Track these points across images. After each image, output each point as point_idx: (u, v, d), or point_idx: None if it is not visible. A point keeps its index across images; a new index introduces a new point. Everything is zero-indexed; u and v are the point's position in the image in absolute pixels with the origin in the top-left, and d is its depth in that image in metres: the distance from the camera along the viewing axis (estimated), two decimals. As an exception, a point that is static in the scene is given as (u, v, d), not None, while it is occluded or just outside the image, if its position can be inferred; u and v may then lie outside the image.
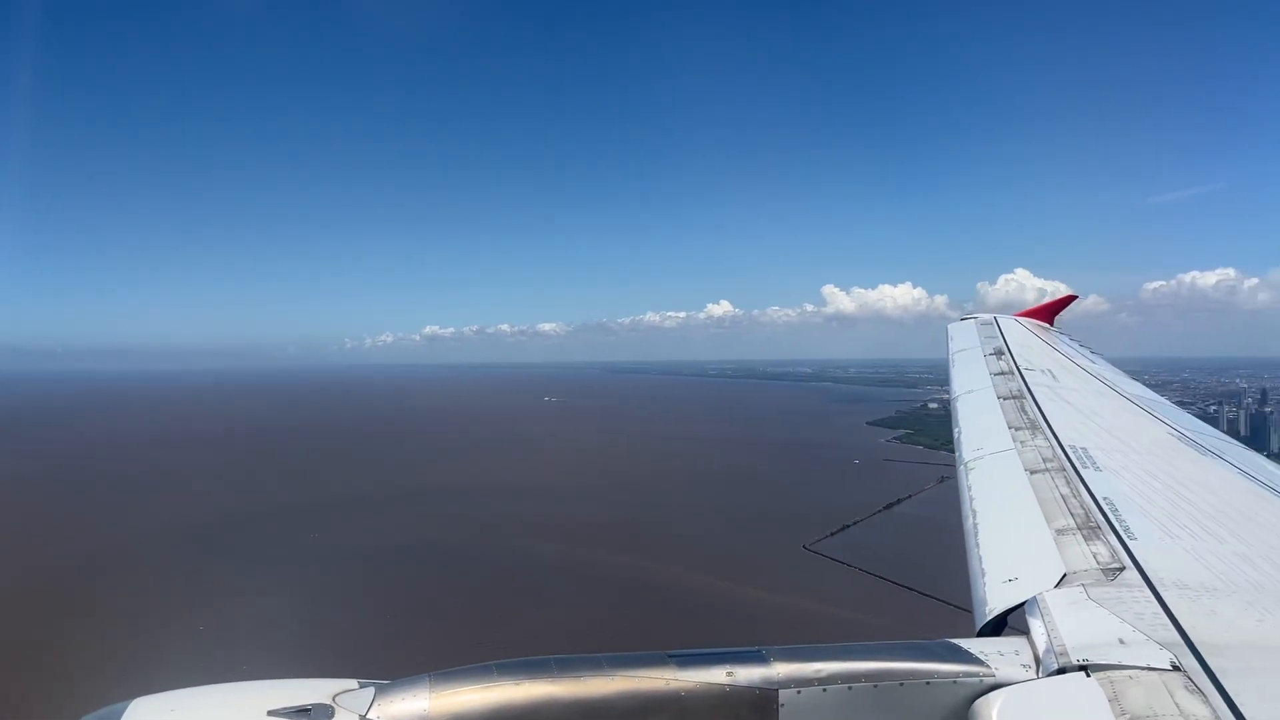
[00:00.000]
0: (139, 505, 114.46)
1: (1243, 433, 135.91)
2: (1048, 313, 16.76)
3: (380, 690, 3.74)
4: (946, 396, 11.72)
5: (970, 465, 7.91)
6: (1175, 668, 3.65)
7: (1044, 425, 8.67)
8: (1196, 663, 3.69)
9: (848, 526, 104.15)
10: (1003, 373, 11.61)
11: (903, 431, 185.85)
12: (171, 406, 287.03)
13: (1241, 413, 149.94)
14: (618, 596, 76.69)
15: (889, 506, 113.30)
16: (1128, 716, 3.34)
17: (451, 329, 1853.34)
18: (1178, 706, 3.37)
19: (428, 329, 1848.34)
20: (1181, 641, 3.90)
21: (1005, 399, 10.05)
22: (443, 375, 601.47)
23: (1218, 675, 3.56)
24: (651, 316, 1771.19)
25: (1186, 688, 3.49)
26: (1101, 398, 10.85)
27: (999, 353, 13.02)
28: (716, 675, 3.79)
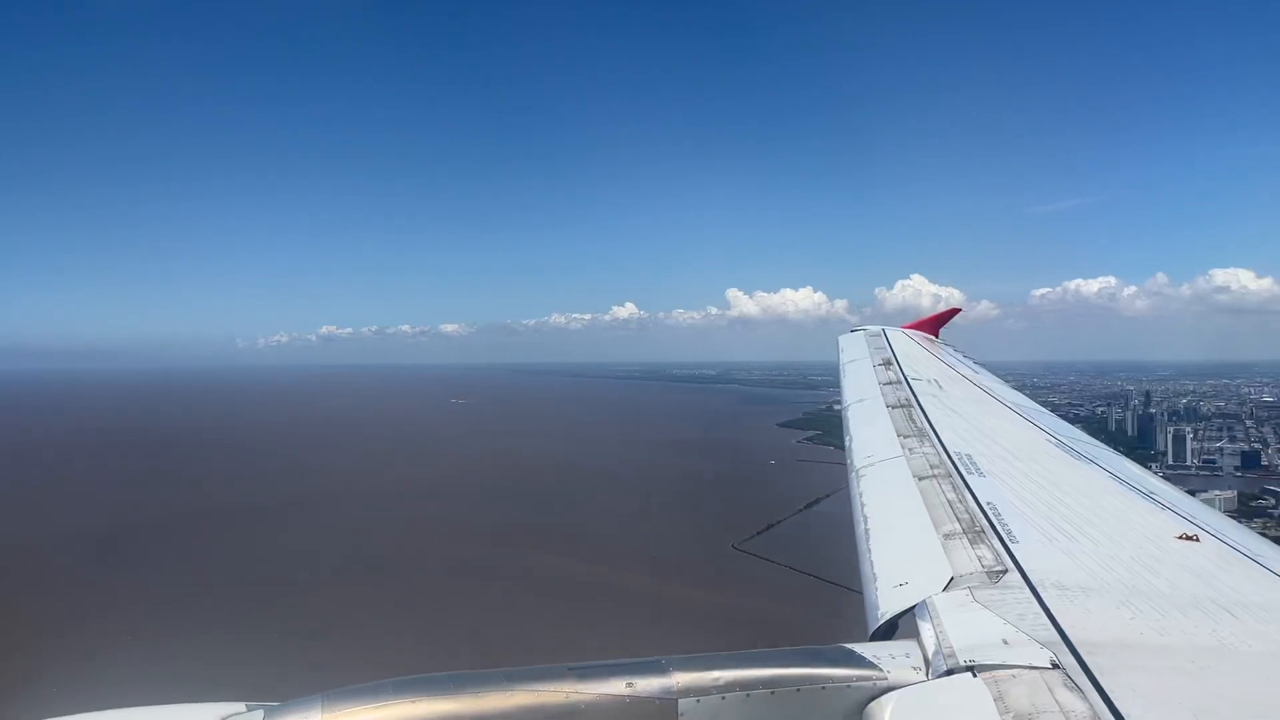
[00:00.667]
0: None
1: (1130, 433, 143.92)
2: (933, 325, 17.28)
3: (270, 712, 3.59)
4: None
5: (861, 472, 8.10)
6: (1055, 666, 3.77)
7: (931, 433, 8.89)
8: (1074, 660, 3.81)
9: (772, 525, 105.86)
10: (891, 382, 11.80)
11: (812, 432, 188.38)
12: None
13: (1129, 414, 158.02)
14: (552, 598, 75.71)
15: (809, 505, 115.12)
16: (1011, 715, 3.42)
17: (349, 329, 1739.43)
18: (1058, 704, 3.47)
19: (324, 329, 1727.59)
20: (1060, 640, 4.03)
21: (894, 408, 10.25)
22: (342, 376, 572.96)
23: (1094, 672, 3.69)
24: (557, 318, 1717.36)
25: (1065, 685, 3.60)
26: (984, 406, 11.16)
27: (887, 363, 13.27)
28: (616, 687, 3.76)
